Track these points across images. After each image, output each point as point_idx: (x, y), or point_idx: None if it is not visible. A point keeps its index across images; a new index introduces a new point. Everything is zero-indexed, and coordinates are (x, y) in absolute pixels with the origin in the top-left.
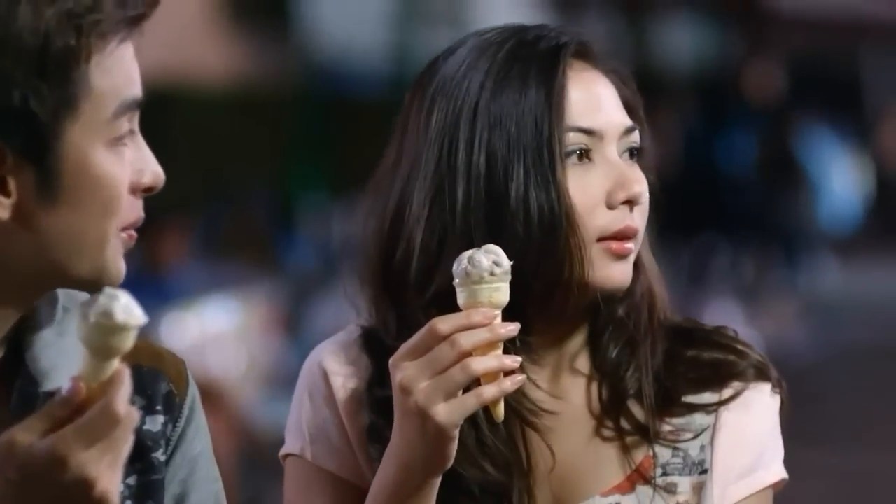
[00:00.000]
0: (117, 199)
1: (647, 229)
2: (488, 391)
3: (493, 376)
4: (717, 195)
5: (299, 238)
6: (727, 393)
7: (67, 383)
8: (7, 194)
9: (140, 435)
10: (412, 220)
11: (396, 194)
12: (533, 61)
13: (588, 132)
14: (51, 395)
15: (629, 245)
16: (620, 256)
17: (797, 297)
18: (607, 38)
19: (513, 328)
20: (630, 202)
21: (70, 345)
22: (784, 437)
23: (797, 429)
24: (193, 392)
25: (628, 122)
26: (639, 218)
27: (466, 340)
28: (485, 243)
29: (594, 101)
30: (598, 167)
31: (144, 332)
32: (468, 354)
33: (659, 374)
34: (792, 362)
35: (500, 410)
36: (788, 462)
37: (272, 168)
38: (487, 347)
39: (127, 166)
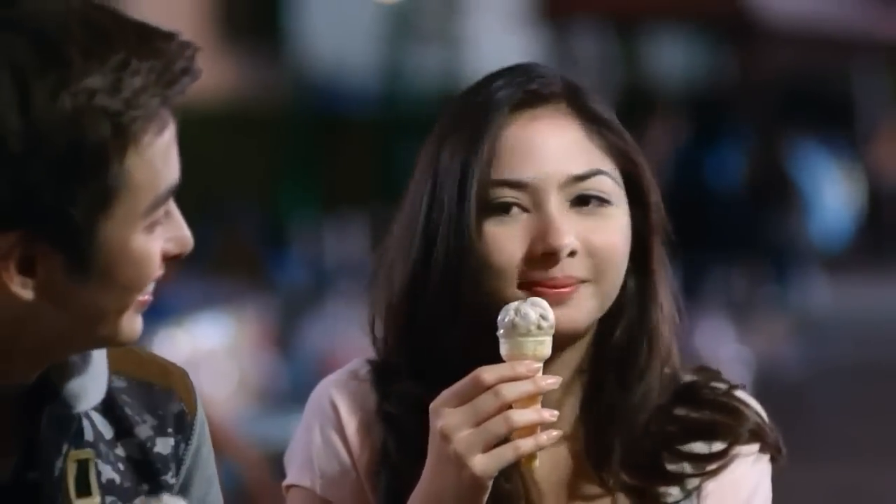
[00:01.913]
0: (149, 276)
1: (654, 276)
2: (525, 444)
3: (529, 429)
4: (708, 212)
5: (290, 255)
6: (715, 463)
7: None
8: (32, 275)
9: (150, 457)
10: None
11: (394, 244)
12: (479, 111)
13: (515, 185)
14: (85, 415)
15: (563, 290)
16: (556, 301)
17: (788, 314)
18: (598, 55)
19: (553, 381)
20: (551, 254)
21: (94, 369)
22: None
23: (787, 445)
24: (202, 409)
25: (574, 170)
26: (577, 268)
27: (510, 392)
28: (423, 295)
29: (529, 152)
30: (528, 218)
31: (146, 346)
32: (510, 406)
33: (647, 435)
34: (782, 379)
35: (536, 464)
36: (778, 478)
37: (263, 185)
38: (528, 400)
39: (160, 243)
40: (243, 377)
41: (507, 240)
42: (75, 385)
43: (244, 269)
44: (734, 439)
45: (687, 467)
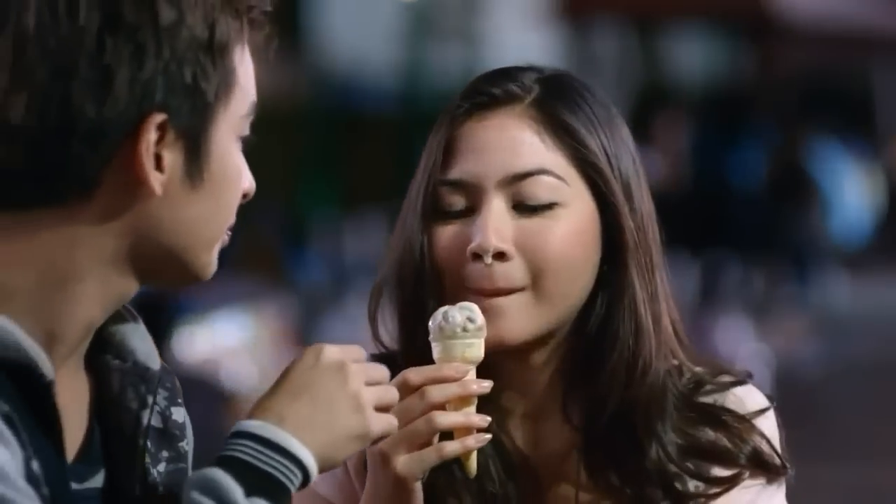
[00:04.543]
0: (239, 194)
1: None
2: (450, 447)
3: (465, 432)
4: (728, 210)
5: (310, 253)
6: (718, 487)
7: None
8: (161, 170)
9: (168, 425)
10: None
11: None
12: (444, 112)
13: (456, 184)
14: (152, 371)
15: (494, 300)
16: (486, 309)
17: (808, 312)
18: (618, 52)
19: (486, 385)
20: (477, 256)
21: (146, 334)
22: (792, 451)
23: (806, 444)
24: None
25: (514, 168)
26: (510, 274)
27: (436, 394)
28: (395, 291)
29: (470, 152)
30: (475, 218)
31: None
32: (439, 407)
33: (650, 441)
34: (802, 377)
35: (473, 466)
36: (797, 477)
37: (283, 183)
38: (461, 402)
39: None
40: (263, 375)
41: (447, 240)
42: (141, 346)
43: (264, 268)
44: (736, 464)
45: (689, 485)
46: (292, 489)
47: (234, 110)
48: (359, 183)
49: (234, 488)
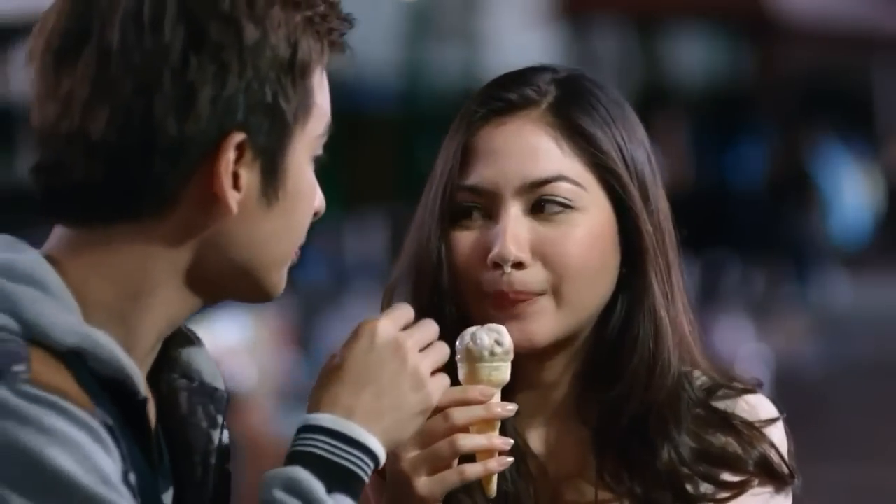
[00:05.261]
0: (311, 214)
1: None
2: (471, 470)
3: (487, 454)
4: (728, 210)
5: (310, 253)
6: (728, 491)
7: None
8: (238, 189)
9: (220, 447)
10: None
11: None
12: (461, 117)
13: (473, 190)
14: (220, 391)
15: (520, 306)
16: (512, 316)
17: (808, 312)
18: (618, 52)
19: (511, 408)
20: (497, 264)
21: (203, 349)
22: (793, 451)
23: (807, 443)
24: None
25: (532, 175)
26: (530, 280)
27: (460, 416)
28: (411, 296)
29: (488, 158)
30: (487, 225)
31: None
32: (462, 430)
33: (663, 444)
34: (802, 377)
35: (493, 488)
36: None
37: None
38: (484, 425)
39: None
40: (263, 375)
41: (465, 246)
42: (204, 365)
43: None
44: (745, 471)
45: (701, 488)
46: (366, 479)
47: (310, 131)
48: (359, 183)
49: (317, 486)
